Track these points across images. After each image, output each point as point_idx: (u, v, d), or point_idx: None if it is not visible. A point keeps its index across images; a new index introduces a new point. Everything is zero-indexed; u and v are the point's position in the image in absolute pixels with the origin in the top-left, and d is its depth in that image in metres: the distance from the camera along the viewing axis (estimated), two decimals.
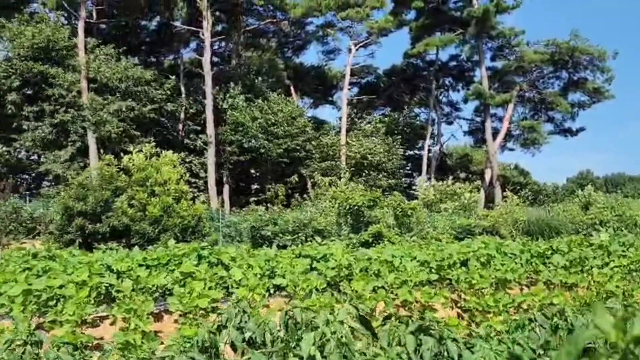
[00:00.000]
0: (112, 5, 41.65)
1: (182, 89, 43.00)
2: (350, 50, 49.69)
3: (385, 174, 44.41)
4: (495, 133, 49.25)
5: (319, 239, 15.83)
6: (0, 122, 36.85)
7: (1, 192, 29.66)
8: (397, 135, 47.54)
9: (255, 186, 46.20)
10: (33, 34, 35.08)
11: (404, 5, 48.81)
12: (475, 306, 9.52)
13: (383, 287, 9.27)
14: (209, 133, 38.80)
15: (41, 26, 35.76)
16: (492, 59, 52.19)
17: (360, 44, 49.71)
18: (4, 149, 36.10)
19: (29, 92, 36.76)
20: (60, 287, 7.42)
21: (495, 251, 11.74)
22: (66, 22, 39.90)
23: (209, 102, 39.09)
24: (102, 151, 28.73)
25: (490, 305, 9.47)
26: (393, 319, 4.92)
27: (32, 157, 39.69)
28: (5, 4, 42.40)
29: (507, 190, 38.24)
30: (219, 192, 39.76)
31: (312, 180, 38.89)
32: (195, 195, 31.63)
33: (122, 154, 26.78)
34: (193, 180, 34.60)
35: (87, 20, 38.76)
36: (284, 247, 18.96)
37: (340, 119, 49.81)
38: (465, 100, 54.46)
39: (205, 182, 38.68)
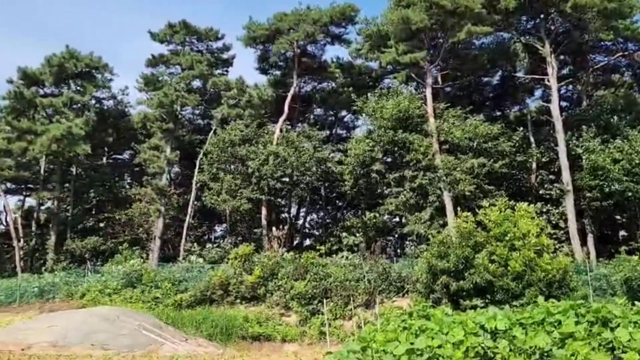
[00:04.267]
0: (455, 68, 43.48)
1: (531, 138, 42.11)
2: None
3: None
4: None
5: None
6: (367, 190, 40.87)
7: (372, 254, 32.54)
8: None
9: (622, 233, 42.19)
10: (392, 105, 38.52)
11: None
12: None
13: None
14: (565, 181, 36.94)
15: (399, 99, 39.08)
16: None
17: None
18: (371, 214, 39.75)
19: (389, 160, 40.21)
20: (439, 346, 7.65)
21: None
22: (415, 91, 42.94)
23: (561, 149, 37.39)
24: (458, 208, 29.55)
25: None
26: None
27: (394, 220, 42.83)
28: (362, 84, 47.78)
29: None
30: (583, 243, 37.17)
31: None
32: (557, 247, 30.07)
33: (477, 210, 27.10)
34: (552, 231, 33.07)
35: (434, 86, 41.10)
36: None
37: None
38: None
39: (566, 233, 36.62)
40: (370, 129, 41.74)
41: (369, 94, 42.27)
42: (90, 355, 16.52)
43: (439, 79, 43.60)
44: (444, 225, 35.67)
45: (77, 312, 26.13)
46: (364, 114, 42.75)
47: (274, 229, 43.55)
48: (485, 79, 49.45)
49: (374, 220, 39.32)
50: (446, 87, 45.43)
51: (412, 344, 7.71)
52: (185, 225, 45.68)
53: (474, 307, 21.27)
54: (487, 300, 23.31)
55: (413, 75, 41.24)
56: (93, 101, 52.61)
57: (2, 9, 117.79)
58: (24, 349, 19.44)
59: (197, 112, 55.28)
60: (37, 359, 16.16)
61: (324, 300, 28.70)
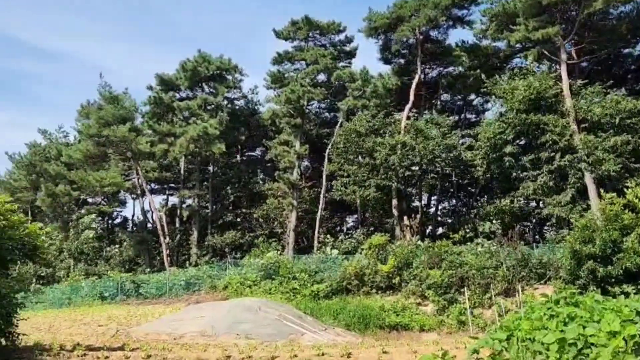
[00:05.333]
0: (591, 41, 40.82)
1: None
2: None
3: None
4: None
5: None
6: (501, 175, 39.43)
7: (509, 240, 31.39)
8: None
9: None
10: (524, 87, 36.88)
11: None
12: None
13: None
14: None
15: (530, 79, 37.34)
16: None
17: None
18: (507, 199, 38.32)
19: (523, 142, 38.53)
20: (591, 335, 7.20)
21: None
22: (547, 69, 40.78)
23: None
24: (601, 190, 27.71)
25: None
26: None
27: (531, 204, 40.99)
28: (490, 65, 46.11)
29: None
30: None
31: None
32: None
33: (623, 190, 25.32)
34: None
35: (568, 62, 38.84)
36: None
37: None
38: None
39: None
40: (502, 112, 40.17)
41: (498, 75, 40.75)
42: (236, 344, 17.27)
43: (574, 54, 41.07)
44: (587, 208, 33.70)
45: (222, 304, 27.46)
46: (493, 96, 41.24)
47: (405, 218, 43.29)
48: (626, 51, 45.92)
49: (510, 206, 37.88)
50: (582, 62, 42.78)
51: (562, 332, 7.31)
52: (318, 217, 46.54)
53: (626, 294, 19.96)
54: (639, 287, 21.82)
55: (545, 52, 39.21)
56: (225, 102, 54.93)
57: (139, 21, 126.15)
58: (176, 338, 20.73)
59: (323, 105, 56.13)
60: (189, 347, 17.15)
61: (462, 289, 28.13)
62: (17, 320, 16.41)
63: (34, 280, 46.93)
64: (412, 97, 46.46)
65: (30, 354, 15.08)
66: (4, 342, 15.81)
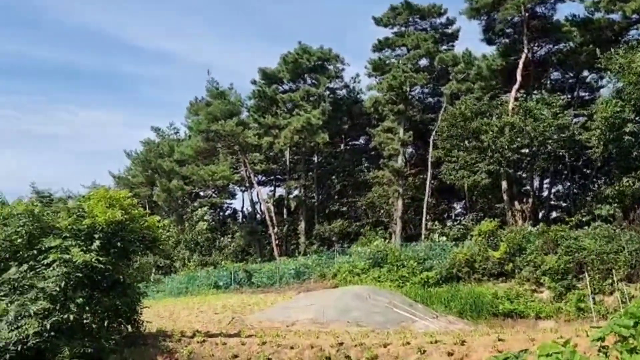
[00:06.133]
0: None
1: None
2: None
3: None
4: None
5: None
6: (620, 155, 37.14)
7: (630, 224, 29.60)
8: None
9: None
10: None
11: None
12: None
13: None
14: None
15: None
16: None
17: None
18: (627, 180, 36.06)
19: None
20: None
21: None
22: None
23: None
24: None
25: None
26: None
27: None
28: (604, 39, 43.43)
29: None
30: None
31: None
32: None
33: None
34: None
35: None
36: None
37: None
38: None
39: None
40: (619, 88, 37.70)
41: (613, 50, 38.27)
42: (348, 332, 17.35)
43: None
44: None
45: (332, 292, 27.74)
46: (609, 72, 38.78)
47: (516, 202, 41.83)
48: None
49: (631, 187, 35.59)
50: None
51: None
52: (424, 204, 45.93)
53: None
54: None
55: None
56: (327, 92, 55.24)
57: (241, 19, 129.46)
58: (288, 325, 21.15)
59: (426, 90, 55.18)
60: (301, 334, 17.41)
61: (580, 275, 26.82)
62: (141, 308, 17.33)
63: (154, 270, 49.50)
64: (519, 78, 44.62)
65: (154, 339, 15.88)
66: (130, 328, 16.76)
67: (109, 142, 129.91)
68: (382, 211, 50.70)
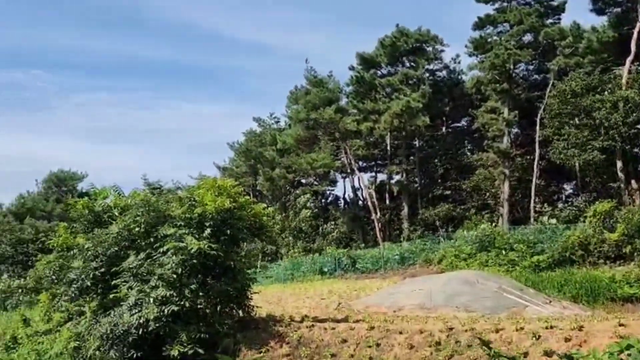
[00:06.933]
0: None
1: None
2: None
3: None
4: None
5: None
6: None
7: None
8: None
9: None
10: None
11: None
12: None
13: None
14: None
15: None
16: None
17: None
18: None
19: None
20: None
21: None
22: None
23: None
24: None
25: None
26: None
27: None
28: None
29: None
30: None
31: None
32: None
33: None
34: None
35: None
36: None
37: None
38: None
39: None
40: None
41: None
42: (456, 317, 17.02)
43: None
44: None
45: (438, 277, 27.31)
46: None
47: (632, 181, 39.45)
48: None
49: None
50: None
51: None
52: (532, 185, 44.27)
53: None
54: None
55: None
56: (426, 74, 54.31)
57: (337, 6, 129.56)
58: (395, 310, 21.03)
59: (531, 67, 52.97)
60: (409, 319, 17.26)
61: None
62: (251, 293, 17.80)
63: (260, 257, 50.86)
64: (633, 49, 41.89)
65: (265, 324, 16.28)
66: (241, 313, 17.25)
67: (212, 135, 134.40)
68: (487, 194, 49.39)
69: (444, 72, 57.21)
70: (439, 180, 56.65)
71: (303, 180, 62.00)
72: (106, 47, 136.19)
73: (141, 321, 14.38)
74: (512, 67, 46.94)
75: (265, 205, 19.58)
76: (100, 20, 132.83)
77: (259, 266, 43.74)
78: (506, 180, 45.78)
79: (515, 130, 51.68)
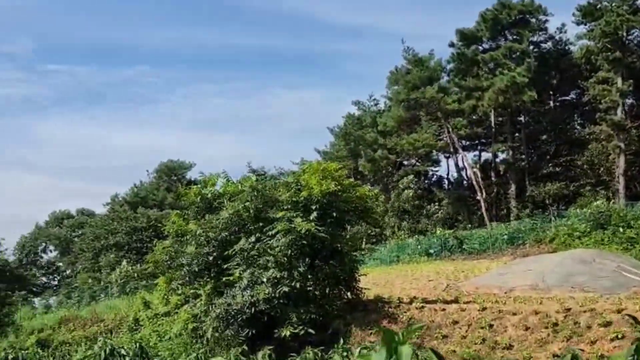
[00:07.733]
0: None
1: None
2: None
3: None
4: None
5: None
6: None
7: None
8: None
9: None
10: None
11: None
12: None
13: None
14: None
15: None
16: None
17: None
18: None
19: None
20: None
21: None
22: None
23: None
24: None
25: None
26: None
27: None
28: None
29: None
30: None
31: None
32: None
33: None
34: None
35: None
36: None
37: None
38: None
39: None
40: None
41: None
42: (573, 297, 16.35)
43: None
44: None
45: (550, 256, 26.33)
46: None
47: None
48: None
49: None
50: None
51: None
52: None
53: None
54: None
55: None
56: (531, 47, 52.08)
57: None
58: (506, 291, 20.49)
59: None
60: (522, 300, 16.78)
61: None
62: (358, 275, 17.93)
63: (365, 239, 50.96)
64: None
65: (374, 305, 16.36)
66: (349, 295, 17.44)
67: (312, 120, 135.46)
68: (601, 169, 46.90)
69: (550, 44, 54.57)
70: (548, 157, 54.36)
71: (405, 162, 61.37)
72: (209, 39, 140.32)
73: (252, 300, 14.89)
74: (624, 34, 44.14)
75: (369, 187, 19.60)
76: (202, 12, 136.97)
77: (364, 249, 44.02)
78: (621, 154, 43.27)
79: (630, 100, 48.68)
